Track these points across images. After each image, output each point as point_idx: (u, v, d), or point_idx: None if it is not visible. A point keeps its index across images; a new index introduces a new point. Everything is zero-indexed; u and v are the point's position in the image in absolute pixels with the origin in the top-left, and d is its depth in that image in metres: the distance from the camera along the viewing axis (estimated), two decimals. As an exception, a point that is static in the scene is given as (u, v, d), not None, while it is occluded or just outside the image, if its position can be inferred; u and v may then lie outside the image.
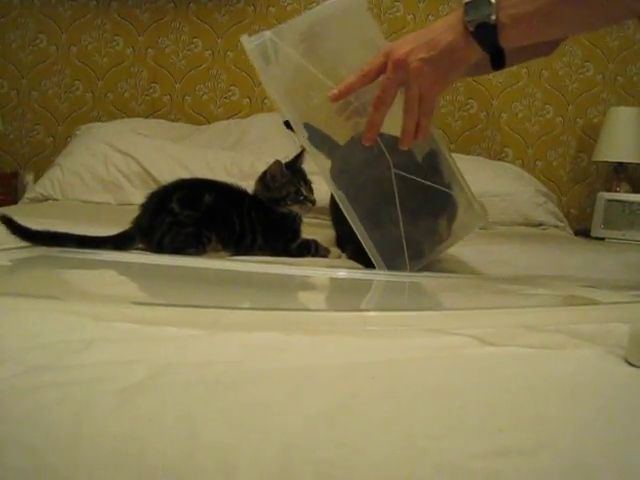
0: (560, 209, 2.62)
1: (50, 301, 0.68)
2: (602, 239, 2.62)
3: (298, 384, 0.45)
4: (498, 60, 0.93)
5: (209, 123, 2.84)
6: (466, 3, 0.92)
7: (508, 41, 0.91)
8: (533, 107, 2.97)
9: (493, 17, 0.89)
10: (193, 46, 2.94)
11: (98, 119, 2.93)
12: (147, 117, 2.93)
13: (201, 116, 2.94)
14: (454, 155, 2.49)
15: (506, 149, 2.96)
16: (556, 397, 0.47)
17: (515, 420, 0.42)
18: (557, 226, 2.41)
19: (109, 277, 1.00)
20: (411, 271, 1.05)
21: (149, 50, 2.95)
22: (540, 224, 2.38)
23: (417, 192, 1.12)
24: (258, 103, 2.93)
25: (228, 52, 2.92)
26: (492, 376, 0.50)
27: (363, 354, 0.54)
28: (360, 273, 1.04)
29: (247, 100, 2.94)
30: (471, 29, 0.90)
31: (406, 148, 1.00)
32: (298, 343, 0.56)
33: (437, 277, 1.06)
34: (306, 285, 1.01)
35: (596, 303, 0.80)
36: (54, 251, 1.07)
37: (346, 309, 0.67)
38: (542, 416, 0.43)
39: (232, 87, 2.94)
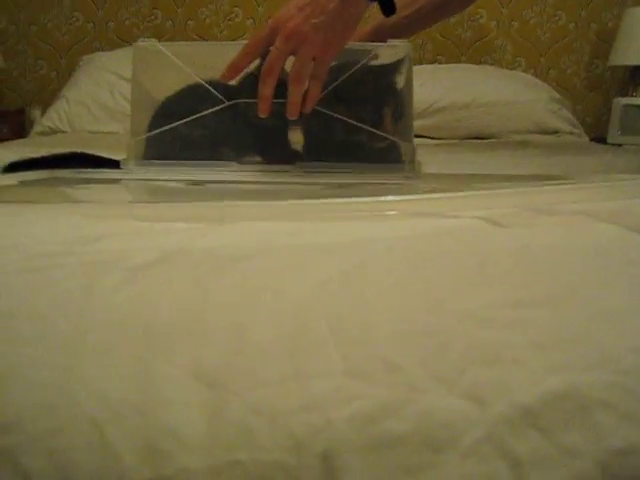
0: (575, 117, 2.56)
1: (58, 205, 0.67)
2: (619, 145, 2.57)
3: (312, 255, 0.45)
4: (389, 6, 0.92)
5: (213, 47, 2.78)
6: None
7: None
8: (545, 14, 2.87)
9: None
10: (193, -32, 2.85)
11: (101, 49, 2.87)
12: (150, 45, 2.87)
13: (205, 40, 2.87)
14: (465, 66, 2.43)
15: (518, 58, 2.88)
16: (577, 259, 0.46)
17: (538, 276, 0.41)
18: (572, 133, 2.36)
19: (119, 189, 0.99)
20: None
21: (148, -25, 2.87)
22: (555, 131, 2.34)
23: None
24: (262, 23, 2.85)
25: (229, -28, 2.84)
26: (508, 246, 0.49)
27: (377, 233, 0.52)
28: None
29: (251, 21, 2.87)
30: None
31: (294, 118, 0.98)
32: (311, 227, 0.55)
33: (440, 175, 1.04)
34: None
35: (611, 185, 0.78)
36: (65, 172, 1.05)
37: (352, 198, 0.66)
38: (564, 273, 0.42)
39: (235, 8, 2.86)
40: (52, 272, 0.41)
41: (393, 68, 1.09)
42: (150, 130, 1.10)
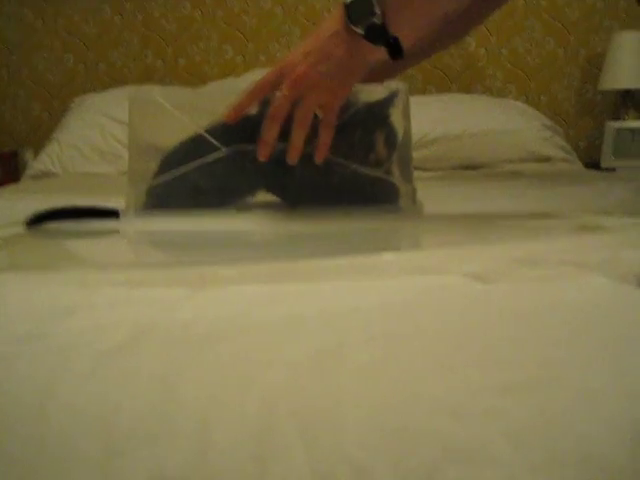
0: (568, 142, 2.56)
1: (36, 272, 0.66)
2: (613, 169, 2.57)
3: (284, 334, 0.43)
4: (396, 50, 0.92)
5: (204, 84, 2.79)
6: (345, 6, 0.89)
7: (399, 29, 0.90)
8: (533, 40, 2.88)
9: (378, 12, 0.88)
10: (181, 7, 2.87)
11: (92, 90, 2.88)
12: (141, 83, 2.88)
13: (196, 77, 2.88)
14: (455, 95, 2.44)
15: (508, 85, 2.88)
16: (561, 328, 0.44)
17: (517, 355, 0.39)
18: (566, 160, 2.36)
19: (115, 243, 0.97)
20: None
21: (137, 15, 2.89)
22: (548, 159, 2.33)
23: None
24: (252, 59, 2.86)
25: (218, 10, 2.85)
26: (490, 313, 0.47)
27: (354, 299, 0.51)
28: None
29: (241, 57, 2.88)
30: (361, 32, 0.89)
31: (293, 163, 0.97)
32: (295, 291, 0.53)
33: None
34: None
35: (604, 230, 0.76)
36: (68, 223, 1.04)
37: (333, 255, 0.64)
38: (546, 349, 0.40)
39: (224, 45, 2.87)
40: (13, 364, 0.40)
41: (387, 105, 1.09)
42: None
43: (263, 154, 0.96)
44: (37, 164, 2.42)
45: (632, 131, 2.65)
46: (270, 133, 0.95)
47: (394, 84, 1.10)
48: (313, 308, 0.48)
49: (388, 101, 1.08)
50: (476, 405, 0.35)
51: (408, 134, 1.10)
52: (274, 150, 0.97)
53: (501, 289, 0.54)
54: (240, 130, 1.08)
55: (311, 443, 0.33)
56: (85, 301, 0.55)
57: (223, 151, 1.04)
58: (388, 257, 0.63)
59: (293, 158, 0.96)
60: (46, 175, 2.38)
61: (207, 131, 1.07)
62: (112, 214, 1.06)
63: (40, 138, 2.87)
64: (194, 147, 1.09)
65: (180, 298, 0.54)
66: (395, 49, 0.91)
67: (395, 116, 1.09)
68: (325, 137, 0.95)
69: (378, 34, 0.89)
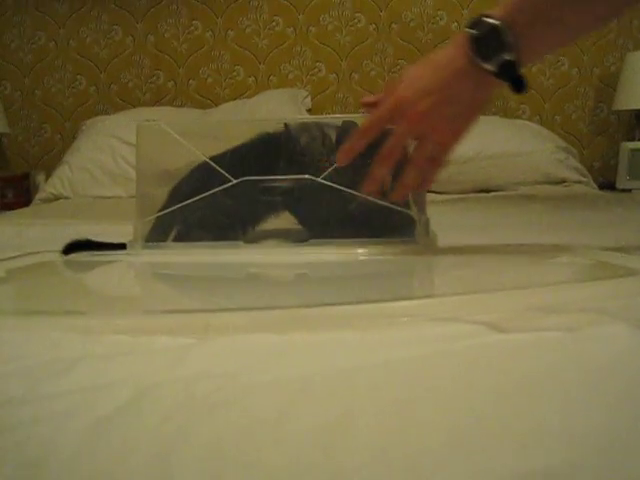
0: (583, 163, 2.53)
1: (35, 317, 0.64)
2: (629, 190, 2.54)
3: (290, 400, 0.40)
4: (521, 85, 0.84)
5: (216, 106, 2.79)
6: (472, 39, 0.81)
7: (529, 60, 0.82)
8: (547, 60, 2.86)
9: (511, 46, 0.79)
10: (193, 28, 2.87)
11: (104, 112, 2.89)
12: (153, 105, 2.88)
13: (207, 99, 2.88)
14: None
15: (522, 106, 2.86)
16: (590, 393, 0.41)
17: (542, 430, 0.36)
18: (580, 181, 2.32)
19: (102, 281, 0.96)
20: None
21: (149, 37, 2.89)
22: (563, 181, 2.30)
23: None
24: (264, 81, 2.86)
25: (229, 31, 2.85)
26: (511, 373, 0.45)
27: (364, 354, 0.48)
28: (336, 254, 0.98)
29: (252, 79, 2.87)
30: (492, 70, 0.80)
31: (367, 194, 0.93)
32: (295, 345, 0.51)
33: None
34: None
35: (626, 272, 0.73)
36: (77, 255, 1.02)
37: (343, 301, 0.62)
38: (576, 422, 0.37)
39: (236, 67, 2.87)
40: (5, 438, 0.37)
41: None
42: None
43: (369, 189, 0.91)
44: (48, 187, 2.41)
45: (648, 151, 2.61)
46: (380, 170, 0.88)
47: None
48: (319, 366, 0.46)
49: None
50: None
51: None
52: (378, 186, 0.93)
53: (518, 339, 0.51)
54: (247, 159, 1.07)
55: None
56: (86, 352, 0.53)
57: (233, 182, 1.03)
58: (398, 303, 0.60)
59: (369, 188, 0.90)
60: (56, 198, 2.38)
61: (215, 159, 1.06)
62: (120, 247, 1.04)
63: (52, 161, 2.88)
64: (202, 177, 1.08)
65: (184, 349, 0.52)
66: (521, 84, 0.82)
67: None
68: (431, 174, 0.90)
69: (510, 71, 0.81)
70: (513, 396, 0.41)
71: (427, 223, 1.04)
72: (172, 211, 1.08)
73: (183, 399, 0.41)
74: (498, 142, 2.30)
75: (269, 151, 1.09)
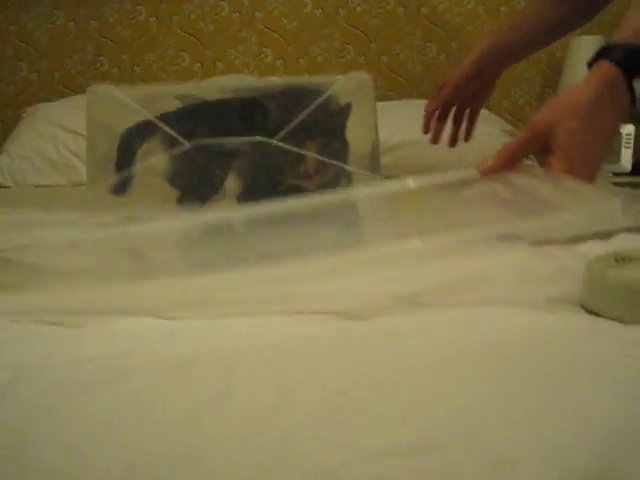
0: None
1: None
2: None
3: (168, 380, 0.39)
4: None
5: (161, 92, 2.73)
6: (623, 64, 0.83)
7: None
8: (494, 45, 2.87)
9: None
10: (137, 13, 2.81)
11: (47, 99, 2.81)
12: (97, 92, 2.82)
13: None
14: (416, 101, 2.40)
15: (470, 91, 2.86)
16: (483, 367, 0.40)
17: (425, 404, 0.35)
18: (526, 164, 2.34)
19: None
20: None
21: (92, 22, 2.82)
22: (508, 164, 2.30)
23: None
24: (210, 67, 2.82)
25: (173, 17, 2.80)
26: (382, 352, 0.43)
27: (249, 337, 0.47)
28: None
29: (198, 65, 2.83)
30: None
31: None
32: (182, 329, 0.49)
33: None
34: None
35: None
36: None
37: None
38: (461, 395, 0.36)
39: (181, 53, 2.82)
40: None
41: (344, 116, 1.08)
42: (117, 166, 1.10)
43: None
44: (-14, 176, 2.34)
45: (593, 135, 2.64)
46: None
47: (360, 74, 1.10)
48: (203, 349, 0.44)
49: (345, 111, 1.07)
50: (361, 473, 0.30)
51: (376, 125, 1.10)
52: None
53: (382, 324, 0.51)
54: (196, 117, 1.07)
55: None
56: (60, 346, 0.51)
57: (186, 145, 1.02)
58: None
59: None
60: (-4, 187, 2.31)
61: (162, 117, 1.05)
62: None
63: (-7, 149, 2.80)
64: (148, 134, 1.08)
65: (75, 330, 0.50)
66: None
67: (351, 126, 1.08)
68: None
69: None
70: (387, 375, 0.40)
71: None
72: (127, 176, 1.08)
73: (58, 381, 0.39)
74: (445, 126, 2.30)
75: (219, 115, 1.09)
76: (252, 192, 1.06)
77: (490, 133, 2.35)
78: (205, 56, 2.82)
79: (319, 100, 1.04)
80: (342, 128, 1.10)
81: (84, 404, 0.35)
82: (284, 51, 2.81)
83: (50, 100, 2.77)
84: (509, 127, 2.49)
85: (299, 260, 0.63)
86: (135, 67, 2.84)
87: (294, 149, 1.03)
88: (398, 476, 0.30)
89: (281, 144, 1.03)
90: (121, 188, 1.08)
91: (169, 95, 1.18)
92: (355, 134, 1.09)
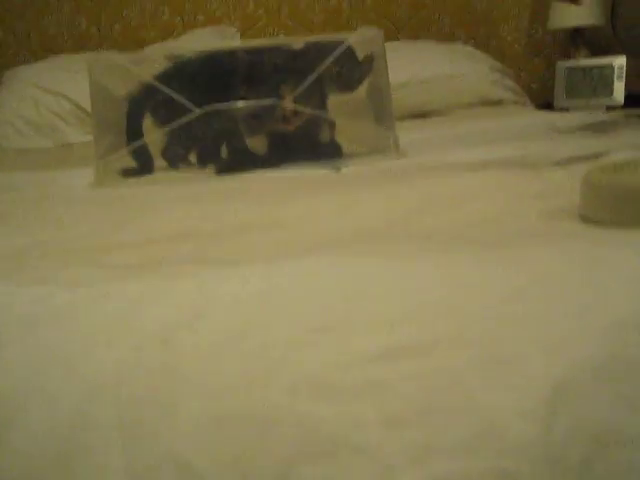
0: (520, 84, 2.51)
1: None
2: (566, 109, 2.52)
3: (137, 305, 0.37)
4: None
5: (142, 48, 2.67)
6: None
7: None
8: (479, -18, 2.81)
9: None
10: (113, -31, 2.73)
11: (25, 62, 2.74)
12: (77, 53, 2.75)
13: (133, 43, 2.76)
14: (402, 43, 2.37)
15: (457, 30, 2.81)
16: (475, 272, 0.38)
17: (415, 309, 0.33)
18: (517, 102, 2.31)
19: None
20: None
21: (67, -20, 2.75)
22: (499, 102, 2.28)
23: None
24: (190, 20, 2.75)
25: (151, -30, 2.72)
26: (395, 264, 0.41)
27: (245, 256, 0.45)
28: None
29: (179, 18, 2.76)
30: None
31: None
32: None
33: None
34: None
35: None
36: None
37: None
38: (453, 298, 0.34)
39: (161, 6, 2.75)
40: None
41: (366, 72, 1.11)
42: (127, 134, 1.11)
43: None
44: (-31, 142, 2.30)
45: (583, 70, 2.60)
46: None
47: (371, 30, 1.11)
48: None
49: (369, 62, 1.09)
50: (345, 380, 0.28)
51: (387, 83, 1.11)
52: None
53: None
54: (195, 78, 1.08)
55: (131, 437, 0.27)
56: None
57: (196, 112, 1.02)
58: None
59: None
60: (-21, 153, 2.27)
61: (159, 77, 1.06)
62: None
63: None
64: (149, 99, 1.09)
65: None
66: None
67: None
68: None
69: None
70: (385, 282, 0.37)
71: (396, 138, 1.08)
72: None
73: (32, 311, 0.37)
74: (431, 66, 2.27)
75: (219, 72, 1.10)
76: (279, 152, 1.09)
77: (479, 70, 2.32)
78: (185, 9, 2.75)
79: (337, 52, 1.04)
80: (360, 80, 1.13)
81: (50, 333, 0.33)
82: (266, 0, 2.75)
83: (28, 63, 2.70)
84: (498, 65, 2.45)
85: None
86: (114, 25, 2.77)
87: (310, 110, 1.07)
88: (390, 379, 0.28)
89: (298, 107, 1.06)
90: (133, 171, 1.10)
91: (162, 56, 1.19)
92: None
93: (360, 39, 1.02)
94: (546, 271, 0.38)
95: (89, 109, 2.21)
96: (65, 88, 2.29)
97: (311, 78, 1.02)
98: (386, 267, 0.37)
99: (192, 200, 0.74)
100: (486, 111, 2.16)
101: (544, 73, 2.87)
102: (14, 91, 2.37)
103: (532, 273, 0.37)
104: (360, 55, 1.09)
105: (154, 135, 1.12)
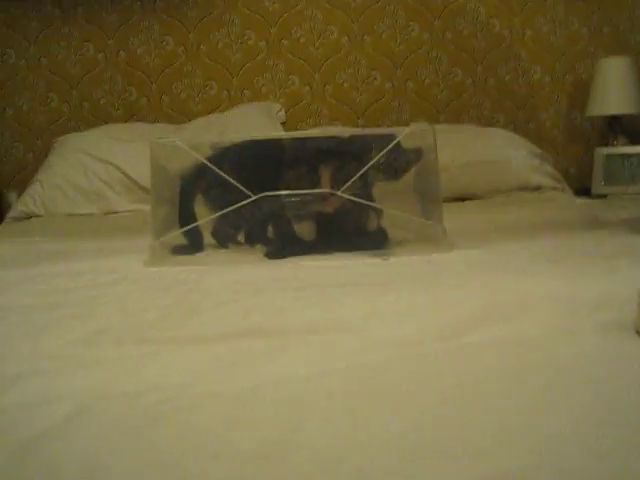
0: (558, 169, 2.53)
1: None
2: (604, 196, 2.54)
3: (236, 413, 0.38)
4: None
5: (189, 121, 2.76)
6: None
7: None
8: (520, 68, 2.87)
9: None
10: (164, 43, 2.85)
11: (76, 129, 2.85)
12: (125, 122, 2.85)
13: (181, 114, 2.85)
14: (443, 126, 2.41)
15: (496, 114, 2.86)
16: (554, 394, 0.40)
17: (503, 433, 0.34)
18: (555, 188, 2.33)
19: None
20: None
21: (121, 53, 2.87)
22: (538, 187, 2.30)
23: None
24: (237, 95, 2.84)
25: (201, 46, 2.83)
26: (466, 376, 0.43)
27: (323, 359, 0.46)
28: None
29: (225, 93, 2.85)
30: None
31: None
32: (248, 354, 0.49)
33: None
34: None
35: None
36: None
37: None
38: (536, 423, 0.35)
39: (209, 81, 2.85)
40: None
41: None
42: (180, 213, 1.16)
43: None
44: (20, 205, 2.38)
45: (622, 156, 2.62)
46: None
47: (422, 125, 1.16)
48: (270, 376, 0.44)
49: (417, 154, 1.13)
50: None
51: (438, 176, 1.15)
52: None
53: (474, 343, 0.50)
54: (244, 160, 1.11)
55: None
56: (30, 367, 0.51)
57: (253, 197, 1.06)
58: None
59: None
60: (28, 217, 2.34)
61: (210, 158, 1.10)
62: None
63: (24, 180, 2.82)
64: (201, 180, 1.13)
65: (139, 359, 0.50)
66: None
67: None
68: None
69: None
70: (472, 399, 0.39)
71: (444, 231, 1.11)
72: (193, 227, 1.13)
73: (122, 413, 0.39)
74: (472, 150, 2.30)
75: (266, 157, 1.14)
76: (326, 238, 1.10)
77: (517, 156, 2.35)
78: (232, 84, 2.84)
79: (390, 145, 1.09)
80: (406, 170, 1.16)
81: (150, 437, 0.35)
82: (311, 78, 2.83)
83: (79, 130, 2.81)
84: (537, 150, 2.48)
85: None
86: (163, 96, 2.87)
87: (361, 200, 1.10)
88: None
89: (347, 196, 1.10)
90: (185, 249, 1.14)
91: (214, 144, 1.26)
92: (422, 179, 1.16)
93: (410, 134, 1.05)
94: (623, 399, 0.39)
95: (137, 178, 2.30)
96: (114, 157, 2.37)
97: (361, 170, 1.05)
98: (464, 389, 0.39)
99: (252, 291, 0.76)
100: (525, 197, 2.19)
101: (582, 158, 2.90)
102: (65, 157, 2.46)
103: (607, 400, 0.39)
104: (407, 144, 1.12)
105: (206, 215, 1.16)
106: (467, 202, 2.17)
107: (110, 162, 2.36)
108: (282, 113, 2.75)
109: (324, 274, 0.89)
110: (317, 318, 0.59)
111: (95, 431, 0.37)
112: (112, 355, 0.52)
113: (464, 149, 2.29)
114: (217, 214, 1.13)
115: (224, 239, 1.20)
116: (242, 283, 0.83)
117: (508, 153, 2.35)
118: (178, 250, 1.15)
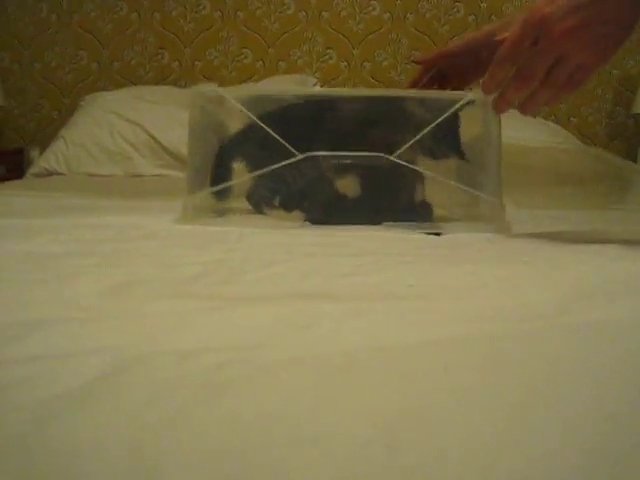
0: (599, 167, 2.44)
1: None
2: (646, 197, 2.44)
3: (331, 385, 0.30)
4: None
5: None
6: None
7: None
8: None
9: None
10: (201, 7, 2.76)
11: (105, 89, 2.77)
12: (156, 84, 2.77)
13: (213, 81, 2.76)
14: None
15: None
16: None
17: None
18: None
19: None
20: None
21: (155, 14, 2.78)
22: (581, 180, 2.20)
23: None
24: (272, 66, 2.75)
25: (238, 12, 2.74)
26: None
27: (400, 332, 0.38)
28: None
29: (260, 63, 2.76)
30: None
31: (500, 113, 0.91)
32: (321, 317, 0.40)
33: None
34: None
35: None
36: None
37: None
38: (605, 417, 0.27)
39: (244, 50, 2.76)
40: None
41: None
42: (214, 174, 1.08)
43: (488, 90, 0.88)
44: (42, 162, 2.30)
45: (666, 158, 2.52)
46: (501, 74, 0.84)
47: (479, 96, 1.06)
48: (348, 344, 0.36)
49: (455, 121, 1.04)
50: None
51: (499, 148, 1.05)
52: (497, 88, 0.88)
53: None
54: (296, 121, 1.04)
55: None
56: (58, 315, 0.42)
57: (299, 156, 0.98)
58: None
59: (500, 108, 0.87)
60: (49, 174, 2.26)
61: (262, 118, 1.01)
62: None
63: (48, 137, 2.75)
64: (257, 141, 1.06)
65: (188, 315, 0.42)
66: None
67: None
68: (554, 99, 0.84)
69: None
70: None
71: (502, 208, 1.01)
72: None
73: (171, 377, 0.31)
74: (514, 137, 2.21)
75: (322, 118, 1.06)
76: (372, 206, 1.02)
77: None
78: (268, 54, 2.75)
79: (457, 105, 1.00)
80: (456, 142, 1.07)
81: (217, 410, 0.27)
82: (349, 54, 2.74)
83: (108, 90, 2.73)
84: (582, 145, 2.38)
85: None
86: (196, 62, 2.78)
87: (413, 167, 1.01)
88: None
89: (401, 162, 1.01)
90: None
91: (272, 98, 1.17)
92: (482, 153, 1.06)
93: (478, 97, 0.95)
94: None
95: (164, 142, 2.22)
96: (142, 119, 2.28)
97: (424, 131, 0.97)
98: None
99: (302, 253, 0.68)
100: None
101: (623, 157, 2.79)
102: (92, 115, 2.38)
103: None
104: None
105: (243, 176, 1.08)
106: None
107: (138, 123, 2.27)
108: (317, 87, 2.66)
109: (376, 243, 0.80)
110: (391, 284, 0.50)
111: (138, 397, 0.29)
112: (149, 309, 0.44)
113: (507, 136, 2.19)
114: (256, 172, 1.04)
115: (259, 203, 1.11)
116: (288, 245, 0.75)
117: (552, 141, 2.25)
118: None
